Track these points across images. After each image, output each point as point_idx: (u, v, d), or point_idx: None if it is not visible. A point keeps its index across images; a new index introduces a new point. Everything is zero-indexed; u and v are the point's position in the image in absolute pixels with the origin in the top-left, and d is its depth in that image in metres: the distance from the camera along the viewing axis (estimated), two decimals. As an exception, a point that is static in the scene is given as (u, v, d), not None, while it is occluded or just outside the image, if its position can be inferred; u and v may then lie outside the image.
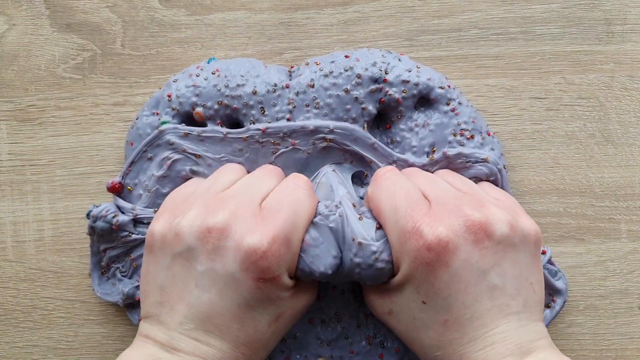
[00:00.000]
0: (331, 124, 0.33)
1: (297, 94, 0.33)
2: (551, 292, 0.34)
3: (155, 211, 0.34)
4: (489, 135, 0.35)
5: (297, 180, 0.31)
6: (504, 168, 0.35)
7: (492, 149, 0.34)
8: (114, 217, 0.33)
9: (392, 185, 0.30)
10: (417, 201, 0.29)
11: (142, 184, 0.34)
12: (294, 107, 0.33)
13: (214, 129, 0.33)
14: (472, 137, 0.34)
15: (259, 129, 0.33)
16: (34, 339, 0.37)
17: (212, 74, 0.34)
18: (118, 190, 0.34)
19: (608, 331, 0.37)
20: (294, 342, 0.34)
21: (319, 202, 0.31)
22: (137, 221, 0.34)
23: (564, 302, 0.35)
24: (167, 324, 0.28)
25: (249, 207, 0.28)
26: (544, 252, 0.34)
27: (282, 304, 0.29)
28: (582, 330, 0.37)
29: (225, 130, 0.33)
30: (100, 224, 0.33)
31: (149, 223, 0.34)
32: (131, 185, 0.34)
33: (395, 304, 0.29)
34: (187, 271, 0.28)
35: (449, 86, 0.34)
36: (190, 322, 0.27)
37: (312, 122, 0.33)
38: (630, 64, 0.37)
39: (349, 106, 0.33)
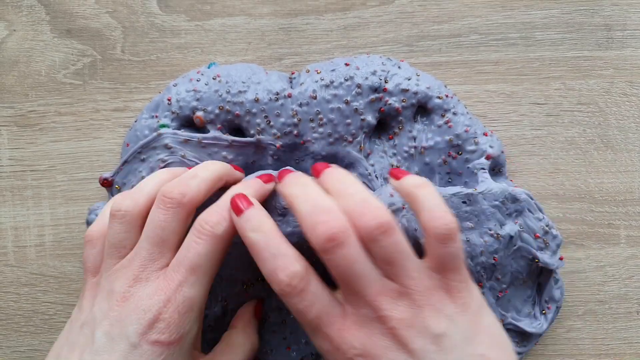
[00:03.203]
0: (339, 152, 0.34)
1: (300, 105, 0.33)
2: (547, 299, 0.35)
3: None
4: (485, 135, 0.34)
5: (201, 232, 0.27)
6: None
7: (491, 147, 0.34)
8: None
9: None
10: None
11: (130, 184, 0.34)
12: (299, 119, 0.33)
13: (216, 136, 0.33)
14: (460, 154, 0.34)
15: (274, 145, 0.34)
16: (35, 344, 0.37)
17: (213, 79, 0.34)
18: (106, 185, 0.34)
19: (607, 336, 0.37)
20: (291, 336, 0.35)
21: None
22: None
23: (557, 308, 0.35)
24: None
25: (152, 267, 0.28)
26: (561, 258, 0.34)
27: None
28: (581, 335, 0.37)
29: (230, 138, 0.33)
30: (91, 217, 0.35)
31: None
32: (119, 184, 0.34)
33: None
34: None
35: (447, 95, 0.34)
36: None
37: (322, 150, 0.34)
38: (630, 69, 0.37)
39: (349, 120, 0.33)
